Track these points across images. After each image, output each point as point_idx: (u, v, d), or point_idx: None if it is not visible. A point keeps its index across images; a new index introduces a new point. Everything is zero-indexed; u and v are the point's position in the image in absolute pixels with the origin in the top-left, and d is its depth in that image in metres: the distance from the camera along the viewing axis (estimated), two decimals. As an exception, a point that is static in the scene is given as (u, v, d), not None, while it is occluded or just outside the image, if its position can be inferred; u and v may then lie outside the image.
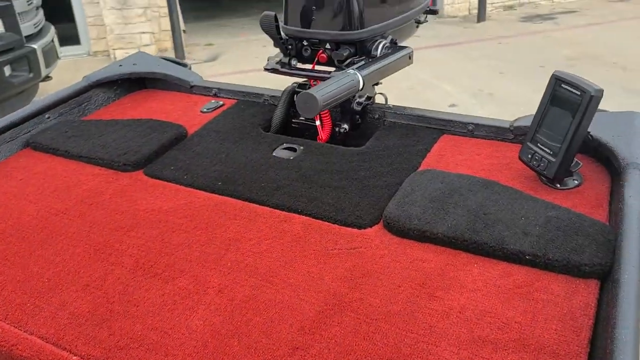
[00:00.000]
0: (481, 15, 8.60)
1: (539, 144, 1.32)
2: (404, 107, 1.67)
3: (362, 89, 1.34)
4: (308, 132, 1.71)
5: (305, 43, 1.62)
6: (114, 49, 7.66)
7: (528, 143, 1.35)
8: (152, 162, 1.55)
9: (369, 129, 1.68)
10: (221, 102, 1.87)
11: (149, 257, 1.18)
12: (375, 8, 1.58)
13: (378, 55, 1.58)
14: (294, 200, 1.35)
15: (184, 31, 9.71)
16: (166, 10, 7.67)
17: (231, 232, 1.26)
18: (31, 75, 4.90)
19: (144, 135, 1.64)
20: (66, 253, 1.20)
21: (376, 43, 1.59)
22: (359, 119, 1.67)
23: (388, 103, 1.68)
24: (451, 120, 1.59)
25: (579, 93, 1.22)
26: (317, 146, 1.59)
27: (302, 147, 1.58)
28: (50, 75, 5.28)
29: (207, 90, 1.91)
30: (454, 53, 7.29)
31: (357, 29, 1.54)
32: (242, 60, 7.12)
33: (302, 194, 1.36)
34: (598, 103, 1.20)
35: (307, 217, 1.30)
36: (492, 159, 1.46)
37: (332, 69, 1.60)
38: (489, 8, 8.93)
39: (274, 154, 1.56)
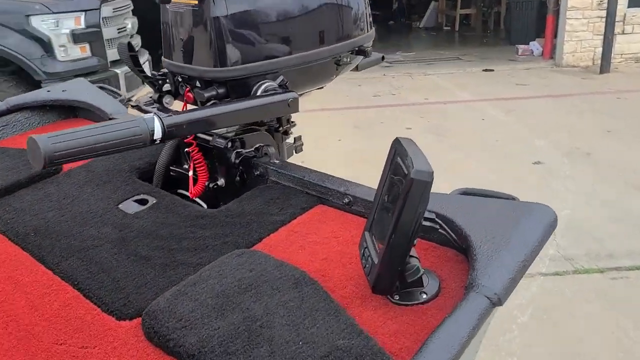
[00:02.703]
0: (605, 67, 7.72)
1: (374, 236, 0.95)
2: (289, 165, 1.35)
3: (161, 140, 1.06)
4: (185, 183, 1.45)
5: (179, 79, 1.38)
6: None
7: (366, 232, 0.98)
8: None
9: (253, 186, 1.38)
10: None
11: None
12: (255, 44, 1.30)
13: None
14: (83, 268, 1.10)
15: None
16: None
17: None
18: (111, 97, 5.15)
19: (11, 168, 1.49)
20: None
21: (258, 84, 1.31)
22: (239, 174, 1.38)
23: (275, 159, 1.37)
24: (329, 189, 1.24)
25: (405, 173, 0.84)
26: (170, 202, 1.32)
27: (154, 201, 1.33)
28: (132, 98, 5.53)
29: None
30: (560, 105, 6.57)
31: (226, 66, 1.27)
32: (330, 97, 6.99)
33: (99, 262, 1.12)
34: (422, 191, 0.81)
35: (78, 293, 1.04)
36: (347, 246, 1.09)
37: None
38: (616, 59, 8.01)
39: (120, 206, 1.32)
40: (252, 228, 1.18)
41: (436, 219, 0.90)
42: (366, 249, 0.94)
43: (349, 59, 1.47)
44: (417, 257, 0.90)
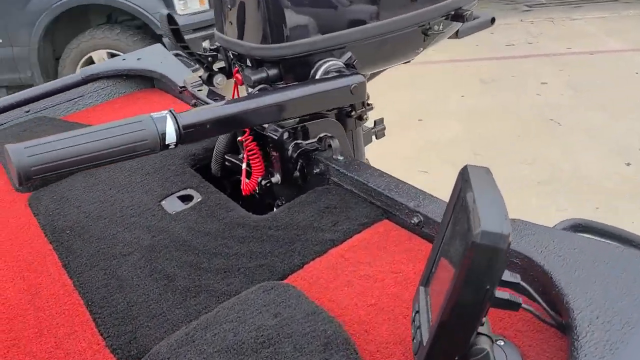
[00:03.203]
0: None
1: (430, 297, 0.68)
2: (354, 164, 1.10)
3: (177, 144, 0.86)
4: (240, 174, 1.26)
5: (231, 56, 1.16)
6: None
7: (421, 287, 0.71)
8: (51, 183, 1.31)
9: (313, 185, 1.16)
10: None
11: None
12: (318, 12, 1.04)
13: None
14: (103, 283, 0.97)
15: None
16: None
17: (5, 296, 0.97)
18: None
19: None
20: None
21: (318, 64, 1.06)
22: (298, 169, 1.16)
23: (339, 155, 1.12)
24: (396, 202, 0.98)
25: (467, 228, 0.56)
26: (215, 202, 1.14)
27: (199, 199, 1.16)
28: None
29: (189, 99, 1.58)
30: None
31: (278, 42, 1.04)
32: (456, 46, 6.44)
33: (120, 276, 0.98)
34: (488, 260, 0.53)
35: (89, 317, 0.91)
36: (406, 288, 0.84)
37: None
38: None
39: (163, 202, 1.17)
40: (295, 248, 0.96)
41: (521, 284, 0.62)
42: (417, 315, 0.68)
43: (441, 27, 1.16)
44: (487, 336, 0.63)
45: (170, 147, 0.85)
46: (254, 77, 1.05)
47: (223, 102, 0.96)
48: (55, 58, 5.21)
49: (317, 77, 1.06)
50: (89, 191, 1.25)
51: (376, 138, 1.39)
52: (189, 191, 1.20)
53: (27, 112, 1.67)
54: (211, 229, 1.06)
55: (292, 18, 1.02)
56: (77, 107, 1.73)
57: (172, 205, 1.16)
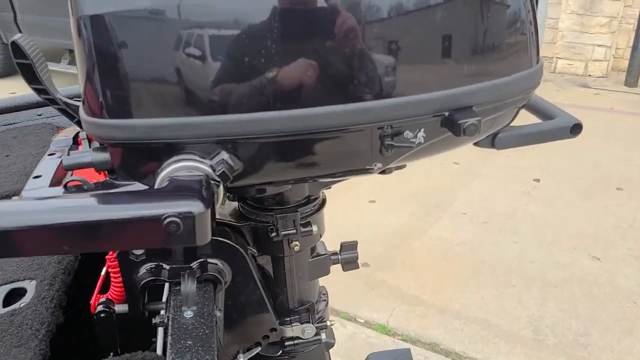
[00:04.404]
0: None
1: None
2: (185, 325, 0.64)
3: None
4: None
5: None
6: (557, 57, 6.66)
7: None
8: None
9: (152, 336, 0.73)
10: None
11: None
12: (174, 81, 0.60)
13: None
14: None
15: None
16: None
17: None
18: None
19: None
20: None
21: (166, 163, 0.63)
22: (144, 302, 0.75)
23: (189, 307, 0.67)
24: None
25: None
26: (28, 317, 0.79)
27: (23, 305, 0.82)
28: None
29: None
30: None
31: (101, 116, 0.63)
32: None
33: None
34: None
35: None
36: None
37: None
38: None
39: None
40: None
41: None
42: None
43: (421, 134, 0.63)
44: None
45: None
46: (67, 161, 0.66)
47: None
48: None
49: (156, 185, 0.63)
50: None
51: (342, 269, 0.89)
52: (30, 285, 0.86)
53: (40, 115, 1.50)
54: None
55: (121, 85, 0.60)
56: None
57: (-5, 300, 0.84)
